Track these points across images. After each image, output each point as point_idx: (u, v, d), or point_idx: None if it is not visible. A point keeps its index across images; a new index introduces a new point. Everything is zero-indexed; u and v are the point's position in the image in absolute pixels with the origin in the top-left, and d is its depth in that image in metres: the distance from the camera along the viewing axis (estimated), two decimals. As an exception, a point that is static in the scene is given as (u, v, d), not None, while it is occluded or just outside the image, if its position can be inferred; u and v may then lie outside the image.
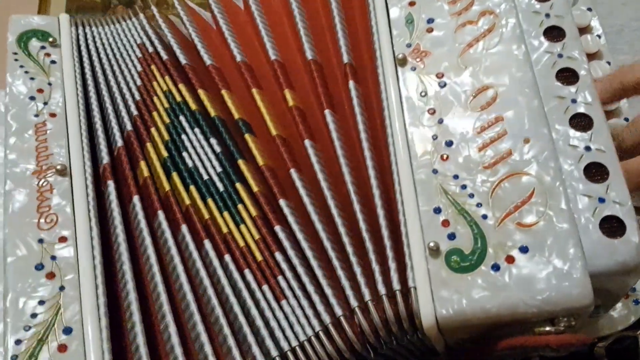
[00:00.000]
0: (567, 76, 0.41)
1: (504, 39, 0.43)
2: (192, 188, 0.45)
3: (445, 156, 0.41)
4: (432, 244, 0.38)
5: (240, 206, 0.44)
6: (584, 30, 0.59)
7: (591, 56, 0.58)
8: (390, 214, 0.41)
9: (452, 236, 0.38)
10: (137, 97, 0.51)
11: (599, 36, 0.59)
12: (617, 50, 0.64)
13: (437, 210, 0.39)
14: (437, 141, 0.41)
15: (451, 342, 0.41)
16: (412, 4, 0.46)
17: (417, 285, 0.38)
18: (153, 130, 0.49)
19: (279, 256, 0.41)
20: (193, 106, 0.49)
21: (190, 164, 0.47)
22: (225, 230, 0.43)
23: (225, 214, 0.44)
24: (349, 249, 0.40)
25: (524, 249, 0.37)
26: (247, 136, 0.47)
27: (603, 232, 0.37)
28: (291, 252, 0.41)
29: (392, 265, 0.39)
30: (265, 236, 0.42)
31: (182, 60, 0.51)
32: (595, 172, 0.38)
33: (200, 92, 0.50)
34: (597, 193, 0.38)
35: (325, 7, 0.51)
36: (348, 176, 0.43)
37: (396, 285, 0.38)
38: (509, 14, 0.43)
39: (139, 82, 0.52)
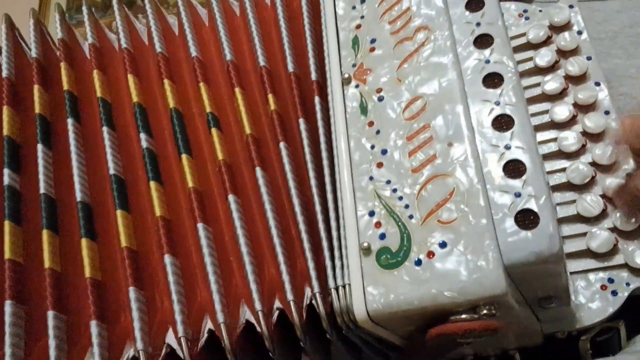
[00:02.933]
0: (494, 80, 0.44)
1: (435, 51, 0.46)
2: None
3: (380, 164, 0.44)
4: (365, 244, 0.42)
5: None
6: (564, 27, 0.60)
7: (570, 52, 0.59)
8: (332, 218, 0.45)
9: (382, 236, 0.42)
10: None
11: (580, 32, 0.60)
12: (611, 55, 0.64)
13: (372, 214, 0.43)
14: (374, 150, 0.45)
15: (403, 334, 0.45)
16: (358, 26, 0.50)
17: (351, 282, 0.42)
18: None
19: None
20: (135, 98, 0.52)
21: None
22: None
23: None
24: (306, 245, 0.45)
25: (442, 245, 0.40)
26: (213, 130, 0.50)
27: (518, 225, 0.39)
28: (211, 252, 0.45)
29: (328, 264, 0.43)
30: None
31: (157, 48, 0.55)
32: (514, 169, 0.41)
33: (166, 82, 0.53)
34: (514, 189, 0.40)
35: (302, 25, 0.55)
36: (313, 180, 0.47)
37: (331, 283, 0.43)
38: (442, 27, 0.47)
39: None
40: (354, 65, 0.49)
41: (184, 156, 0.50)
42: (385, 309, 0.40)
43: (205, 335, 0.44)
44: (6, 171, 0.49)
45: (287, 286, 0.43)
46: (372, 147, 0.45)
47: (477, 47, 0.45)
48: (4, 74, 0.53)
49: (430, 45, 0.46)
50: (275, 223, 0.46)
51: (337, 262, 0.44)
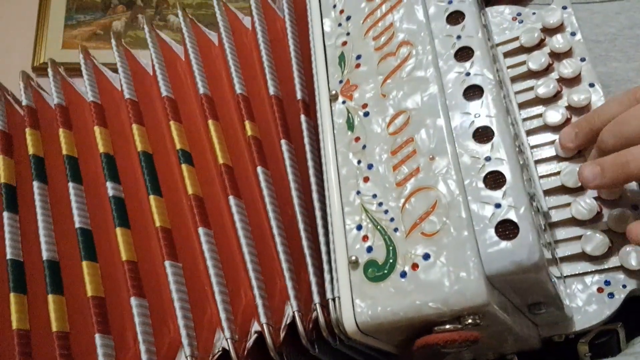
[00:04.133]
0: (474, 92, 0.45)
1: (417, 66, 0.47)
2: None
3: (366, 178, 0.46)
4: (353, 258, 0.43)
5: None
6: (557, 29, 0.60)
7: (564, 55, 0.59)
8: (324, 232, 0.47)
9: (369, 249, 0.43)
10: None
11: (573, 33, 0.60)
12: (610, 58, 0.64)
13: (359, 227, 0.44)
14: (360, 165, 0.46)
15: (396, 344, 0.46)
16: (344, 43, 0.51)
17: (341, 295, 0.43)
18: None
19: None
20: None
21: None
22: None
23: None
24: (284, 265, 0.47)
25: (426, 256, 0.41)
26: (183, 166, 0.52)
27: (499, 236, 0.40)
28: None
29: (314, 279, 0.45)
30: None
31: (126, 94, 0.58)
32: (494, 180, 0.42)
33: (134, 126, 0.55)
34: (494, 199, 0.41)
35: (286, 47, 0.57)
36: (296, 199, 0.49)
37: (317, 298, 0.44)
38: (424, 41, 0.47)
39: None
40: (340, 82, 0.50)
41: (151, 197, 0.52)
42: (373, 320, 0.42)
43: None
44: None
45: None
46: (359, 162, 0.46)
47: (457, 60, 0.46)
48: None
49: (412, 60, 0.47)
50: (250, 249, 0.48)
51: (327, 276, 0.45)
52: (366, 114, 0.48)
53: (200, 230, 0.50)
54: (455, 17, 0.48)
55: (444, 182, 0.42)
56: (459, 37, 0.47)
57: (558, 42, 0.59)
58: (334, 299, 0.44)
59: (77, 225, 0.52)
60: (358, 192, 0.46)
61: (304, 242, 0.47)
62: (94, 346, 0.47)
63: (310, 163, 0.50)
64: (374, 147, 0.46)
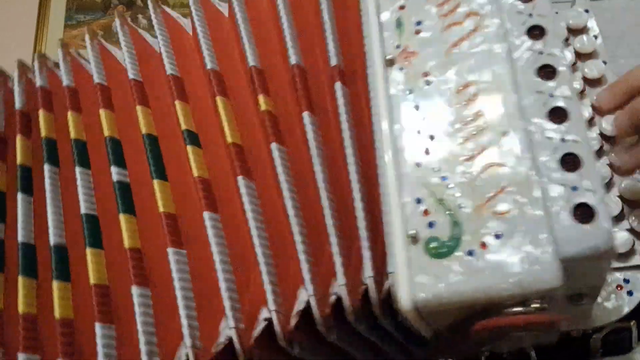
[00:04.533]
0: (547, 72, 0.43)
1: (487, 39, 0.45)
2: None
3: (428, 150, 0.43)
4: (412, 232, 0.41)
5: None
6: (581, 31, 0.61)
7: (587, 56, 0.60)
8: (371, 207, 0.43)
9: (431, 224, 0.41)
10: None
11: (595, 37, 0.61)
12: (618, 55, 0.65)
13: (419, 201, 0.42)
14: (420, 135, 0.44)
15: (435, 328, 0.43)
16: (402, 7, 0.48)
17: (397, 270, 0.40)
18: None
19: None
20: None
21: None
22: None
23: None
24: (300, 246, 0.44)
25: (497, 236, 0.39)
26: (188, 147, 0.49)
27: (575, 219, 0.38)
28: None
29: (368, 253, 0.42)
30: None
31: (131, 74, 0.55)
32: (569, 162, 0.40)
33: (138, 108, 0.53)
34: (570, 182, 0.39)
35: (316, 13, 0.53)
36: (321, 174, 0.45)
37: (370, 272, 0.41)
38: (493, 14, 0.45)
39: None
40: (398, 47, 0.47)
41: (155, 182, 0.50)
42: (434, 299, 0.39)
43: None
44: None
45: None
46: (419, 132, 0.44)
47: (529, 38, 0.44)
48: None
49: (481, 32, 0.45)
50: (259, 232, 0.45)
51: (367, 253, 0.42)
52: (428, 83, 0.45)
53: (206, 214, 0.47)
54: (527, -6, 0.46)
55: (517, 160, 0.40)
56: (530, 15, 0.45)
57: (583, 42, 0.60)
58: (384, 275, 0.41)
59: (82, 211, 0.50)
60: (418, 164, 0.43)
61: (328, 220, 0.44)
62: (93, 336, 0.45)
63: (347, 134, 0.46)
64: (438, 117, 0.44)
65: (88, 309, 0.46)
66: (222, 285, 0.44)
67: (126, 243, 0.47)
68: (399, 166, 0.43)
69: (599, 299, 0.51)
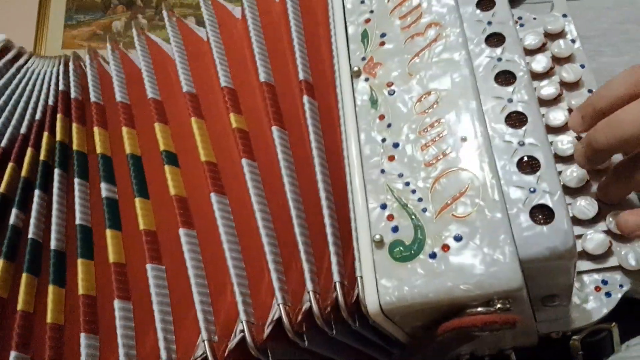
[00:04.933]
0: (506, 78, 0.44)
1: (447, 47, 0.46)
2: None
3: (392, 157, 0.44)
4: (377, 237, 0.42)
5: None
6: (558, 35, 0.62)
7: (564, 60, 0.61)
8: (340, 213, 0.44)
9: (395, 229, 0.42)
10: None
11: (573, 40, 0.62)
12: (601, 53, 0.65)
13: (383, 206, 0.43)
14: (385, 143, 0.45)
15: (409, 331, 0.44)
16: (367, 20, 0.50)
17: (364, 274, 0.41)
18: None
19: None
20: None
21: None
22: None
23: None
24: (271, 265, 0.45)
25: (458, 238, 0.40)
26: (166, 167, 0.52)
27: (533, 220, 0.39)
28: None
29: (335, 259, 0.43)
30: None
31: (118, 97, 0.57)
32: (528, 164, 0.41)
33: (124, 129, 0.55)
34: (528, 184, 0.40)
35: (286, 28, 0.55)
36: (289, 186, 0.47)
37: (338, 277, 0.42)
38: (453, 24, 0.47)
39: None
40: (363, 59, 0.48)
41: (137, 199, 0.52)
42: (399, 302, 0.40)
43: None
44: (14, 211, 0.53)
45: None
46: (384, 140, 0.45)
47: (488, 45, 0.46)
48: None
49: (442, 41, 0.46)
50: (230, 246, 0.47)
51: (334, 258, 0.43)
52: (391, 92, 0.46)
53: (181, 231, 0.48)
54: (486, 4, 0.47)
55: (477, 164, 0.42)
56: (489, 22, 0.46)
57: (560, 47, 0.60)
58: (355, 279, 0.41)
59: (77, 221, 0.52)
60: (382, 171, 0.44)
61: (296, 230, 0.45)
62: (77, 345, 0.47)
63: (314, 144, 0.48)
64: (401, 125, 0.45)
65: (75, 318, 0.48)
66: (196, 298, 0.45)
67: (111, 257, 0.50)
68: (366, 173, 0.44)
69: (577, 301, 0.51)
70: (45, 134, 0.57)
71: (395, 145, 0.44)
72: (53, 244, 0.51)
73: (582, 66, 0.60)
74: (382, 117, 0.46)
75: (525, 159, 0.41)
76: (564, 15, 0.63)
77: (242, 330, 0.44)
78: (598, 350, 0.52)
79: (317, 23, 0.54)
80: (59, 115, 0.58)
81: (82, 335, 0.46)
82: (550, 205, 0.39)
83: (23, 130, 0.59)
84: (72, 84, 0.61)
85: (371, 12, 0.50)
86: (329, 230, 0.44)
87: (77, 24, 1.54)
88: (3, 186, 0.55)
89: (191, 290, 0.46)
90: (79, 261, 0.50)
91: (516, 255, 0.39)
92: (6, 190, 0.55)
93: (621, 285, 0.51)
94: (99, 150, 0.55)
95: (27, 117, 0.59)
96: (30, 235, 0.52)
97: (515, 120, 0.43)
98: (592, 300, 0.51)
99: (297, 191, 0.47)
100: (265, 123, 0.51)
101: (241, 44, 0.57)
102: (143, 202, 0.51)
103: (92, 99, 0.59)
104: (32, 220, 0.52)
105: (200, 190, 0.51)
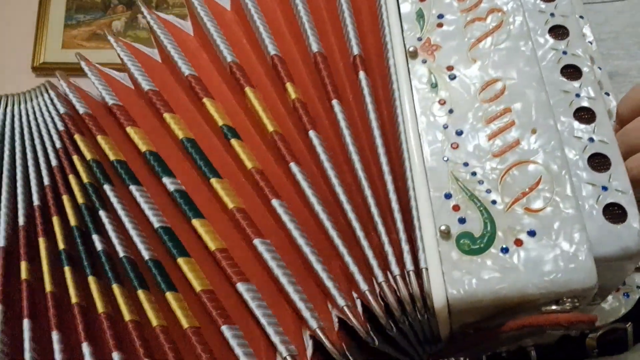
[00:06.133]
0: (571, 72, 0.43)
1: (511, 36, 0.44)
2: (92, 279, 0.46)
3: (455, 144, 0.42)
4: (443, 227, 0.39)
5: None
6: None
7: (584, 61, 0.61)
8: (401, 200, 0.42)
9: (462, 220, 0.40)
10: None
11: (590, 42, 0.62)
12: (613, 56, 0.66)
13: (448, 196, 0.41)
14: (447, 130, 0.43)
15: (456, 328, 0.43)
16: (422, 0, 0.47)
17: (429, 266, 0.39)
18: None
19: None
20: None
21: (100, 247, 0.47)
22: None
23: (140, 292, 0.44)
24: (359, 233, 0.42)
25: (532, 233, 0.38)
26: (233, 141, 0.47)
27: (606, 219, 0.39)
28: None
29: (405, 247, 0.40)
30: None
31: (145, 86, 0.52)
32: (599, 162, 0.40)
33: (166, 115, 0.50)
34: (600, 182, 0.40)
35: (331, 1, 0.51)
36: (358, 163, 0.44)
37: (409, 266, 0.40)
38: (516, 12, 0.45)
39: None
40: (419, 39, 0.46)
41: (212, 180, 0.47)
42: (467, 296, 0.38)
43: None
44: (95, 237, 0.48)
45: (358, 277, 0.41)
46: (445, 126, 0.43)
47: (552, 37, 0.44)
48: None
49: (506, 28, 0.45)
50: (326, 216, 0.43)
51: (405, 247, 0.41)
52: (452, 77, 0.44)
53: (274, 202, 0.45)
54: (549, -6, 0.46)
55: (548, 157, 0.40)
56: (552, 14, 0.45)
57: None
58: (420, 271, 0.39)
59: (156, 225, 0.47)
60: (445, 159, 0.42)
61: (373, 210, 0.42)
62: (223, 339, 0.42)
63: (374, 124, 0.45)
64: (464, 112, 0.43)
65: (205, 316, 0.44)
66: (316, 265, 0.42)
67: (211, 245, 0.45)
68: (426, 160, 0.42)
69: (597, 301, 0.52)
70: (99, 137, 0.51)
71: (459, 132, 0.42)
72: (146, 255, 0.46)
73: (600, 68, 0.61)
74: (442, 102, 0.44)
75: (597, 155, 0.40)
76: (581, 17, 0.63)
77: (312, 336, 0.41)
78: (613, 348, 0.53)
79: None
80: (76, 136, 0.52)
81: (224, 327, 0.42)
82: (623, 204, 0.39)
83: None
84: (73, 100, 0.54)
85: (427, -10, 0.48)
86: (397, 215, 0.41)
87: (77, 24, 1.54)
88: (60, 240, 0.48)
89: (303, 262, 0.43)
90: (180, 261, 0.45)
91: (591, 253, 0.38)
92: (66, 245, 0.48)
93: (639, 286, 0.52)
94: (143, 148, 0.50)
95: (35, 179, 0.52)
96: (121, 255, 0.46)
97: (584, 115, 0.42)
98: (611, 300, 0.52)
99: (364, 169, 0.44)
100: (319, 96, 0.48)
101: (275, 15, 0.53)
102: (220, 182, 0.47)
103: (110, 102, 0.53)
104: (115, 241, 0.47)
105: (270, 163, 0.47)
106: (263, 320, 0.41)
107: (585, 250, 0.38)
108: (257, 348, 0.42)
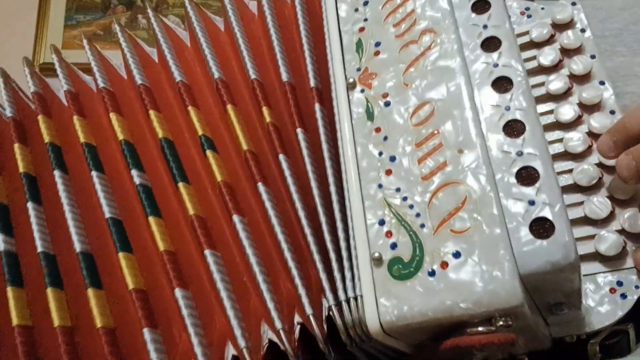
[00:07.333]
0: (502, 84, 0.43)
1: (442, 55, 0.45)
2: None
3: (389, 171, 0.43)
4: (376, 254, 0.41)
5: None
6: (567, 25, 0.59)
7: (574, 51, 0.58)
8: (345, 227, 0.44)
9: (394, 246, 0.41)
10: None
11: (583, 30, 0.59)
12: (616, 53, 0.63)
13: (382, 222, 0.42)
14: (382, 157, 0.44)
15: (413, 343, 0.44)
16: (361, 29, 0.49)
17: (364, 294, 0.41)
18: None
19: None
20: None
21: None
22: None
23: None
24: (316, 256, 0.44)
25: (456, 254, 0.39)
26: (208, 152, 0.50)
27: (533, 234, 0.38)
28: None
29: (338, 275, 0.42)
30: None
31: (138, 80, 0.54)
32: (526, 175, 0.40)
33: (152, 112, 0.52)
34: (527, 196, 0.39)
35: (298, 33, 0.54)
36: (316, 190, 0.46)
37: (342, 296, 0.42)
38: (448, 30, 0.46)
39: None
40: (358, 70, 0.48)
41: (180, 184, 0.49)
42: (398, 321, 0.40)
43: None
44: (0, 236, 0.48)
45: (305, 300, 0.43)
46: (380, 153, 0.44)
47: (484, 50, 0.44)
48: None
49: (436, 48, 0.45)
50: (285, 237, 0.46)
51: (347, 274, 0.43)
52: (387, 104, 0.45)
53: (235, 217, 0.47)
54: (481, 6, 0.46)
55: (474, 176, 0.41)
56: (485, 26, 0.45)
57: (569, 38, 0.58)
58: (355, 298, 0.41)
59: (106, 215, 0.48)
60: (380, 186, 0.43)
61: (327, 236, 0.45)
62: (142, 341, 0.44)
63: (326, 154, 0.47)
64: (397, 138, 0.44)
65: (129, 316, 0.45)
66: (261, 279, 0.44)
67: (160, 246, 0.47)
68: (364, 188, 0.44)
69: (592, 303, 0.50)
70: (16, 144, 0.53)
71: (392, 158, 0.44)
72: (78, 247, 0.47)
73: (593, 57, 0.58)
74: (378, 130, 0.45)
75: (524, 169, 0.40)
76: (573, 4, 0.61)
77: (235, 356, 0.43)
78: (615, 351, 0.51)
79: (320, 33, 0.54)
80: (40, 117, 0.53)
81: (145, 330, 0.43)
82: (550, 217, 0.38)
83: None
84: (60, 75, 0.57)
85: (365, 20, 0.49)
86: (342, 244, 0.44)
87: (77, 24, 1.54)
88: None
89: (247, 276, 0.45)
90: (121, 255, 0.46)
91: (516, 271, 0.38)
92: None
93: (637, 287, 0.50)
94: (120, 136, 0.52)
95: None
96: (39, 250, 0.47)
97: (514, 128, 0.41)
98: (607, 302, 0.50)
99: (322, 195, 0.46)
100: (289, 122, 0.50)
101: (259, 41, 0.56)
102: (186, 188, 0.49)
103: (101, 85, 0.55)
104: (36, 234, 0.48)
105: (240, 179, 0.49)
106: (191, 330, 0.43)
107: (508, 269, 0.38)
108: (173, 355, 0.43)
